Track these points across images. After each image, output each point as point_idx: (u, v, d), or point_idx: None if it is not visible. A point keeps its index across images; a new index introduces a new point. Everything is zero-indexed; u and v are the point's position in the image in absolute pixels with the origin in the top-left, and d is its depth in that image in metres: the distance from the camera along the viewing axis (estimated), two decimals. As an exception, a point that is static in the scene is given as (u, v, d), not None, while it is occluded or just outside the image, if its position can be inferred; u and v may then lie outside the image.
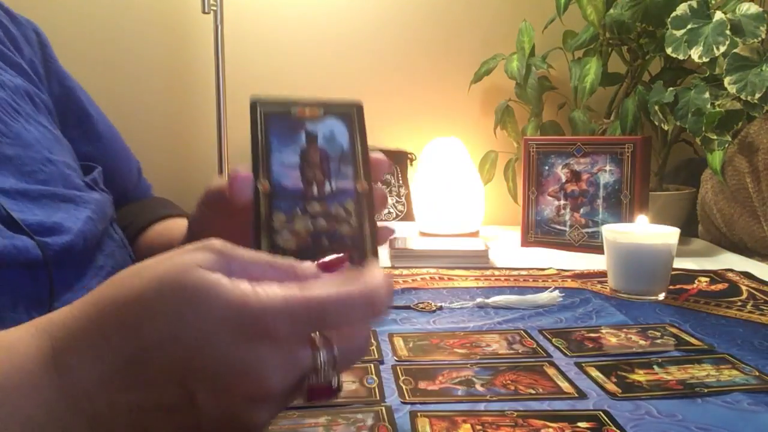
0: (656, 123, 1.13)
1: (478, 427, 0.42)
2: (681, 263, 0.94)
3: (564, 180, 1.12)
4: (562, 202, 1.12)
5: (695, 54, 1.03)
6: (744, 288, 0.80)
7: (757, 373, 0.52)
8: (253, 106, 0.45)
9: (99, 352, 0.30)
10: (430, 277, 0.87)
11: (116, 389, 0.30)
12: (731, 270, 0.90)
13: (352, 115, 0.47)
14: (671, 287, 0.78)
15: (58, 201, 0.53)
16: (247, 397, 0.31)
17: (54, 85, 0.67)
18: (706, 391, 0.48)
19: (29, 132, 0.55)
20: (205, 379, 0.30)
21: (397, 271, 0.90)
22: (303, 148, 0.45)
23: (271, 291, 0.31)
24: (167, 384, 0.30)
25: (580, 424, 0.43)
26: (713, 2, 1.06)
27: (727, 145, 1.02)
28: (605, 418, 0.43)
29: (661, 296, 0.75)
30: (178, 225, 0.68)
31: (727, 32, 1.00)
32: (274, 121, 0.45)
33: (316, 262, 0.37)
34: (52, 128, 0.60)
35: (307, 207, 0.44)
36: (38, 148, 0.55)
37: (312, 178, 0.44)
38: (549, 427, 0.42)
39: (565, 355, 0.57)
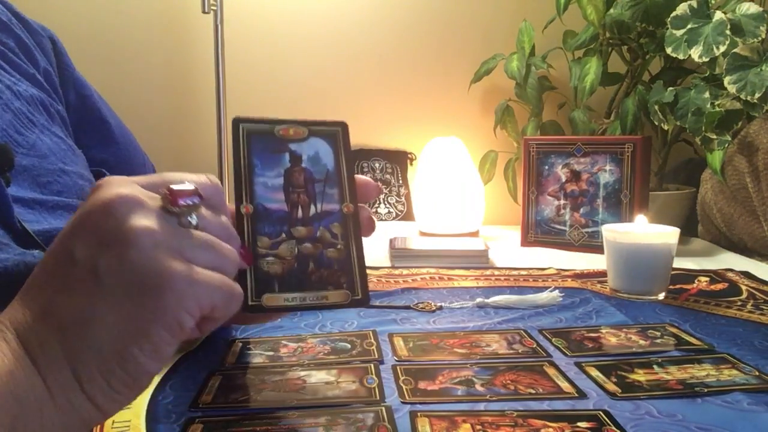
0: (656, 123, 1.13)
1: (478, 427, 0.42)
2: (681, 263, 0.94)
3: (564, 180, 1.12)
4: (562, 201, 1.12)
5: (695, 54, 1.03)
6: (744, 288, 0.80)
7: (757, 373, 0.52)
8: (236, 125, 0.44)
9: None
10: (430, 277, 0.87)
11: (16, 309, 0.33)
12: (731, 270, 0.90)
13: (337, 135, 0.46)
14: (671, 287, 0.78)
15: (72, 212, 0.54)
16: (106, 204, 0.33)
17: (70, 93, 0.67)
18: (706, 391, 0.48)
19: (44, 143, 0.55)
20: (73, 227, 0.34)
21: (397, 271, 0.90)
22: (287, 170, 0.44)
23: None
24: (55, 260, 0.34)
25: (580, 424, 0.43)
26: (713, 2, 1.06)
27: (727, 145, 1.02)
28: (605, 418, 0.43)
29: (661, 296, 0.75)
30: None
31: (727, 32, 1.00)
32: (257, 141, 0.44)
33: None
34: (66, 138, 0.60)
35: (292, 230, 0.43)
36: (53, 158, 0.55)
37: (296, 201, 0.44)
38: (549, 427, 0.42)
39: (565, 355, 0.57)
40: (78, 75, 0.69)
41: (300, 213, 0.44)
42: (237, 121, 0.44)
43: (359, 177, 0.46)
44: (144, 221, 0.33)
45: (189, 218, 0.35)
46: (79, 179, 0.57)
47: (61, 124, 0.62)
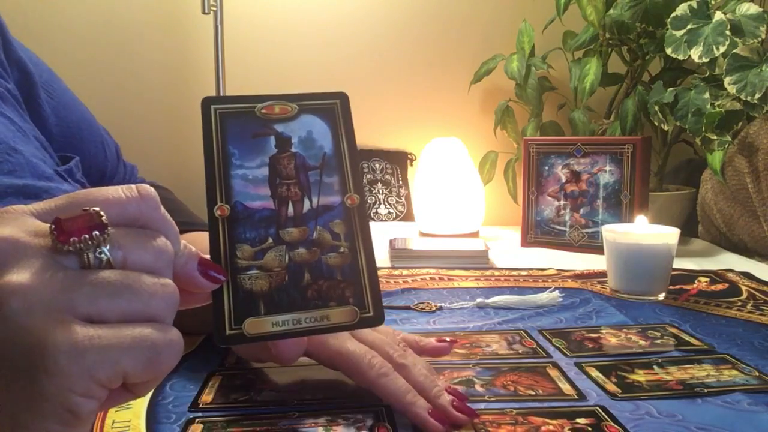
0: (656, 123, 1.13)
1: (479, 426, 0.42)
2: (681, 263, 0.94)
3: (564, 180, 1.12)
4: (562, 202, 1.12)
5: (695, 54, 1.03)
6: (744, 288, 0.80)
7: (757, 373, 0.52)
8: (206, 107, 0.36)
9: None
10: (430, 278, 0.87)
11: None
12: (731, 270, 0.90)
13: (334, 110, 0.39)
14: (671, 287, 0.78)
15: (21, 198, 0.51)
16: None
17: (14, 71, 0.64)
18: (706, 391, 0.48)
19: None
20: None
21: (397, 271, 0.90)
22: (273, 157, 0.36)
23: None
24: None
25: (579, 420, 0.43)
26: (713, 2, 1.06)
27: (727, 145, 1.02)
28: (603, 414, 0.43)
29: (661, 296, 0.75)
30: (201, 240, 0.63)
31: (727, 32, 1.00)
32: (234, 124, 0.36)
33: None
34: (17, 118, 0.58)
35: (281, 233, 0.35)
36: (1, 137, 0.53)
37: (286, 195, 0.36)
38: (548, 423, 0.42)
39: (565, 355, 0.57)
40: (18, 52, 0.65)
41: (291, 210, 0.36)
42: (207, 102, 0.36)
43: (429, 341, 0.43)
44: (16, 276, 0.25)
45: (96, 254, 0.27)
46: (32, 157, 0.55)
47: (14, 103, 0.60)
